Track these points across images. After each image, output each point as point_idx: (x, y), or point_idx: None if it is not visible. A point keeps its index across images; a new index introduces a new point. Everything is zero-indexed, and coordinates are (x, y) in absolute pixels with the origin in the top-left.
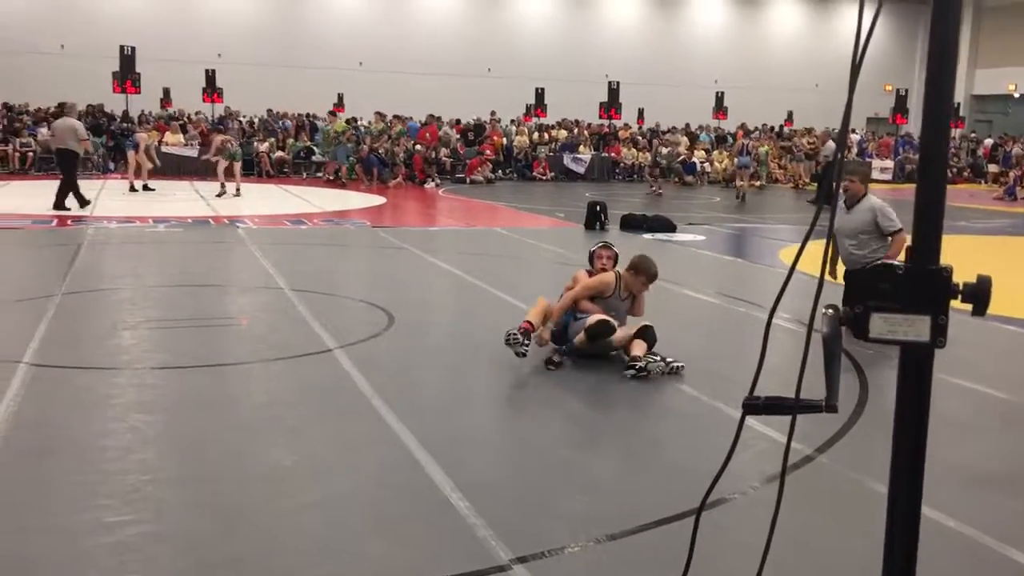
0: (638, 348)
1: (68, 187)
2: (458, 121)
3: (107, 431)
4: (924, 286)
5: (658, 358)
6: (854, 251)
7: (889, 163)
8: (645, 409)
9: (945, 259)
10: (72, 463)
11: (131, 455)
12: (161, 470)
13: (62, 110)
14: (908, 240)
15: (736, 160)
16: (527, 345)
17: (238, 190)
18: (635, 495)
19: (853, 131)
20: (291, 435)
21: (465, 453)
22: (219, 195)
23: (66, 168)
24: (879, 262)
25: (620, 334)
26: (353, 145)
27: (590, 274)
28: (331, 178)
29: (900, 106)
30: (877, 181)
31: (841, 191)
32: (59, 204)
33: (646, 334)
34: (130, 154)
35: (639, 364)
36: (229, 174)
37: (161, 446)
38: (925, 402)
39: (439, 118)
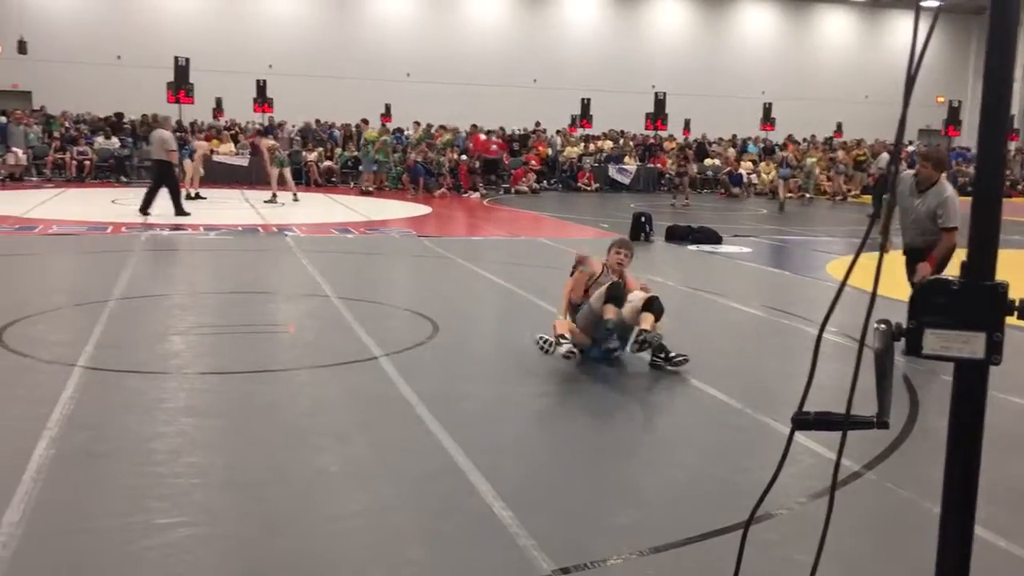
0: (646, 322)
1: (164, 193)
2: (501, 130)
3: (158, 434)
4: (979, 302)
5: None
6: (915, 235)
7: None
8: (690, 421)
9: (1001, 274)
10: (123, 465)
11: (181, 458)
12: (210, 474)
13: (155, 121)
14: (955, 242)
15: (778, 171)
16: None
17: (295, 196)
18: (680, 508)
19: (909, 143)
20: (337, 441)
21: (508, 461)
22: (267, 201)
23: (164, 177)
24: (933, 277)
25: (628, 308)
26: (400, 155)
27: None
28: (365, 188)
29: (953, 118)
30: None
31: (913, 174)
32: (144, 209)
33: (652, 305)
34: (186, 163)
35: (642, 338)
36: (281, 182)
37: (210, 450)
38: (979, 420)
39: (491, 130)
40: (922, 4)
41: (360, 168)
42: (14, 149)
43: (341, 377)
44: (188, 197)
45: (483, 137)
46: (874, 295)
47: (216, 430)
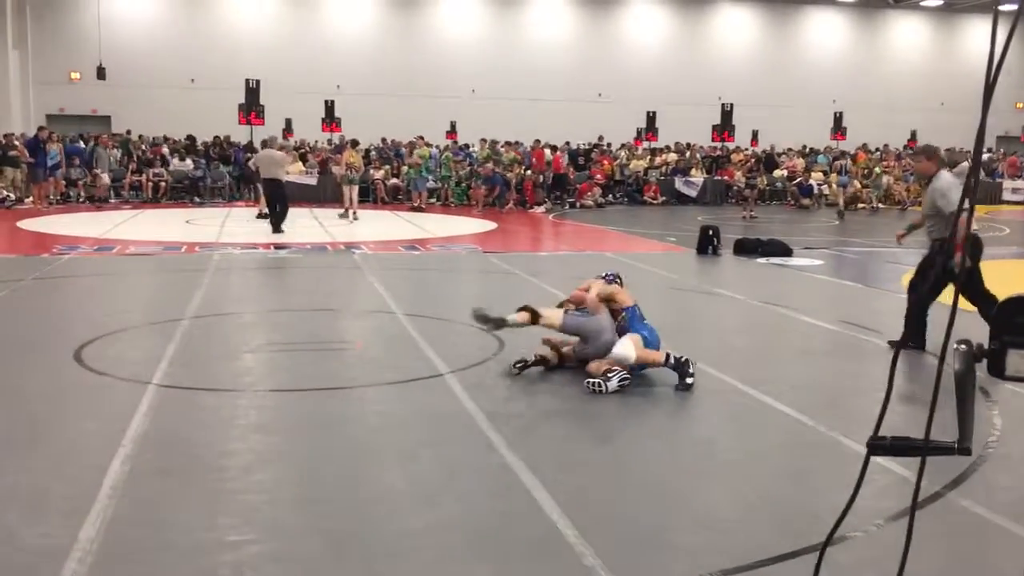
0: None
1: (283, 212)
2: (567, 143)
3: (229, 451)
4: None
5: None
6: (928, 227)
7: (1021, 183)
8: (761, 439)
9: None
10: (195, 482)
11: (251, 475)
12: (279, 490)
13: (265, 143)
14: (964, 219)
15: (837, 179)
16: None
17: (355, 215)
18: (752, 529)
19: (988, 150)
20: (403, 458)
21: (574, 479)
22: (341, 216)
23: (277, 195)
24: (1016, 294)
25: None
26: (467, 171)
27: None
28: (415, 205)
29: None
30: (1010, 203)
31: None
32: (277, 227)
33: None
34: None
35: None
36: (349, 199)
37: (279, 467)
38: None
39: (554, 146)
40: (1000, 8)
41: (409, 187)
42: (100, 173)
43: (407, 394)
44: (259, 216)
45: (547, 152)
46: (953, 313)
47: (285, 447)
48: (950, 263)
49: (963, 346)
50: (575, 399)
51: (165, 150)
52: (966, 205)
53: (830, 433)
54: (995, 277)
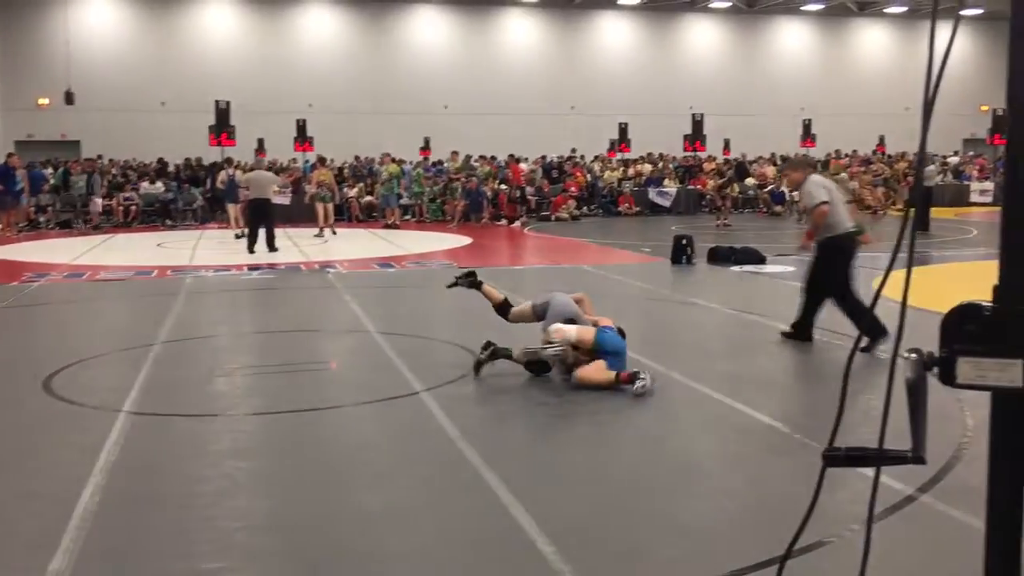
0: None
1: (271, 231)
2: (543, 157)
3: (202, 477)
4: (1015, 328)
5: None
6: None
7: (989, 185)
8: (737, 448)
9: None
10: (168, 510)
11: (224, 501)
12: (253, 516)
13: (255, 165)
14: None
15: None
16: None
17: (333, 231)
18: (729, 537)
19: (954, 153)
20: (379, 480)
21: (552, 495)
22: (317, 235)
23: (265, 215)
24: (964, 302)
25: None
26: (440, 187)
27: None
28: (389, 223)
29: (998, 126)
30: (977, 204)
31: (786, 184)
32: (271, 246)
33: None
34: (230, 205)
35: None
36: (324, 217)
37: (254, 492)
38: (1020, 451)
39: (524, 158)
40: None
41: (381, 204)
42: (95, 198)
43: (383, 414)
44: (236, 237)
45: (523, 167)
46: (902, 318)
47: (260, 471)
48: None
49: (914, 355)
50: (550, 415)
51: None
52: (825, 197)
53: (807, 440)
54: (960, 279)
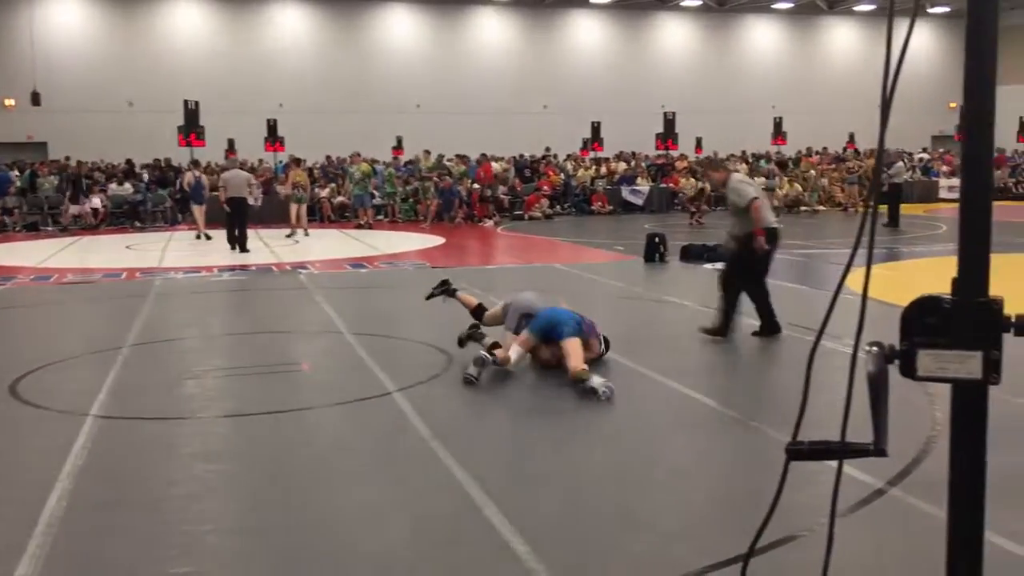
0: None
1: (243, 231)
2: (520, 155)
3: (171, 481)
4: (973, 320)
5: None
6: (733, 228)
7: (957, 181)
8: (707, 444)
9: (1017, 279)
10: (135, 514)
11: (194, 504)
12: (222, 519)
13: (228, 165)
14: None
15: (765, 183)
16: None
17: (306, 231)
18: (698, 532)
19: (923, 150)
20: (351, 481)
21: (525, 495)
22: (289, 235)
23: (241, 214)
24: (924, 295)
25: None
26: (413, 187)
27: None
28: (361, 223)
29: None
30: (946, 201)
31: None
32: (243, 247)
33: None
34: (196, 207)
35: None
36: (297, 217)
37: (223, 495)
38: (980, 442)
39: (498, 157)
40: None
41: (353, 204)
42: (92, 198)
43: (355, 415)
44: (197, 238)
45: (495, 166)
46: (863, 310)
47: (229, 474)
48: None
49: (875, 348)
50: (522, 413)
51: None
52: (756, 194)
53: (777, 436)
54: (928, 274)
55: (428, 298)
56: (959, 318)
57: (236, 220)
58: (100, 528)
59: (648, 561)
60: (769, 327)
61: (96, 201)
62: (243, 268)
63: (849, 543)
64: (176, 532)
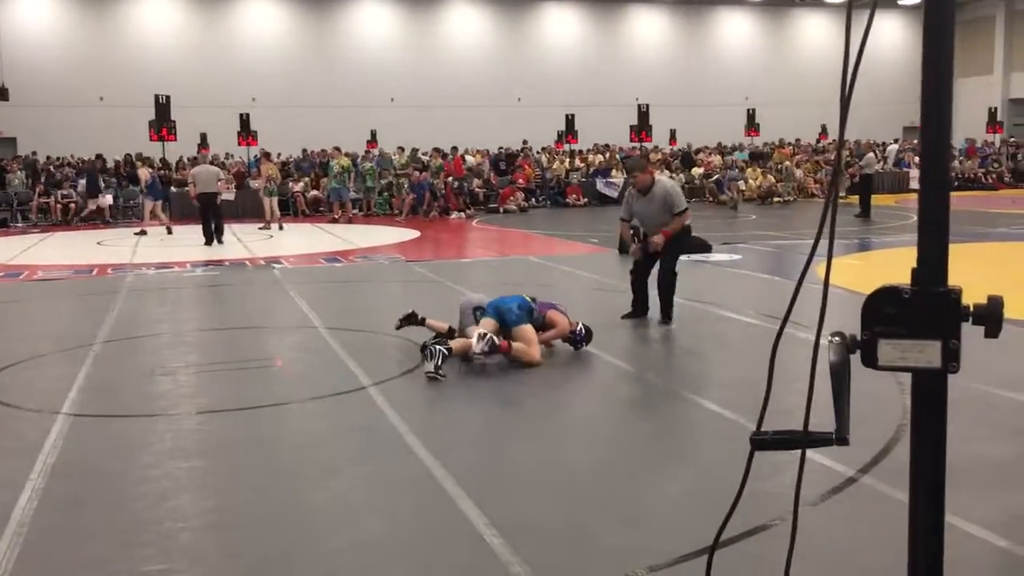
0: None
1: (219, 225)
2: (500, 148)
3: (144, 478)
4: (932, 310)
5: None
6: (654, 231)
7: None
8: (685, 435)
9: (984, 267)
10: (108, 512)
11: (167, 502)
12: (196, 516)
13: (196, 160)
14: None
15: (728, 174)
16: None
17: (280, 225)
18: (676, 524)
19: (894, 141)
20: (326, 476)
21: (500, 488)
22: (262, 228)
23: (214, 209)
24: (884, 285)
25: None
26: (387, 180)
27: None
28: (336, 217)
29: None
30: (916, 191)
31: (631, 185)
32: (219, 239)
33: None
34: (155, 204)
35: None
36: (271, 211)
37: (196, 492)
38: (941, 431)
39: (477, 150)
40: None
41: (330, 198)
42: (104, 194)
43: (330, 410)
44: (135, 234)
45: (468, 159)
46: (824, 299)
47: (203, 471)
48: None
49: (836, 339)
50: (497, 407)
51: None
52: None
53: (751, 426)
54: (898, 263)
55: (398, 328)
56: (918, 308)
57: (209, 214)
58: (72, 527)
59: (625, 552)
60: (642, 308)
61: (109, 197)
62: (216, 263)
63: (820, 531)
64: (149, 530)
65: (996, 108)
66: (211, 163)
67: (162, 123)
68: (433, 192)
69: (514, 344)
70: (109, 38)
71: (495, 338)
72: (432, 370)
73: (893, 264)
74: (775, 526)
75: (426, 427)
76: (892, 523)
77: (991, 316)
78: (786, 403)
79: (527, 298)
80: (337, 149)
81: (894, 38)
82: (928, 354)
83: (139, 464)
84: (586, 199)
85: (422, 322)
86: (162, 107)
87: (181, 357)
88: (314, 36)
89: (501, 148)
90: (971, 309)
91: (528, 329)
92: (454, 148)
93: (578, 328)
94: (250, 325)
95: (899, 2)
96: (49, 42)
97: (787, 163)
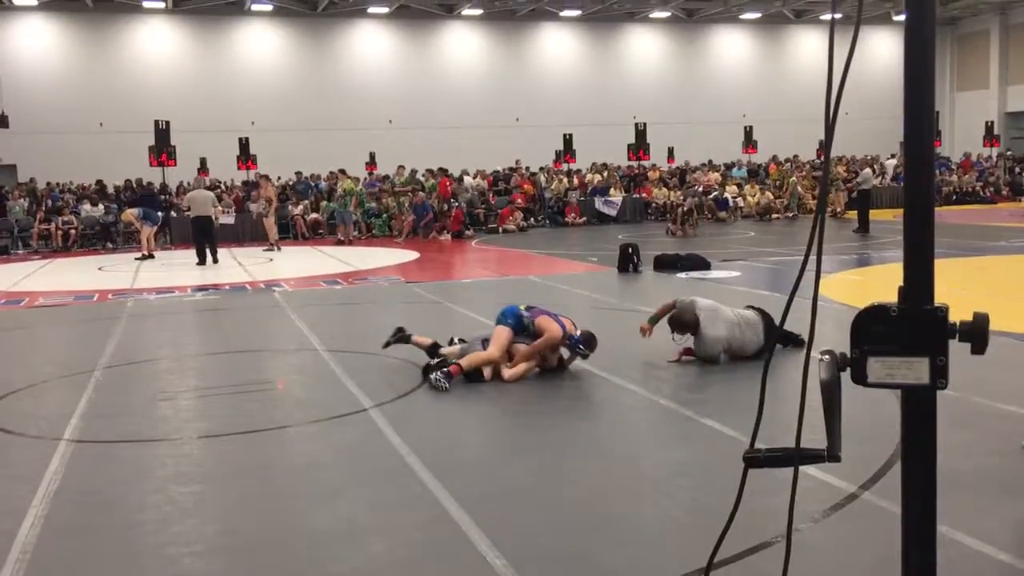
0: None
1: (214, 247)
2: (498, 170)
3: (146, 504)
4: (919, 327)
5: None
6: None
7: None
8: (685, 453)
9: (981, 280)
10: (110, 538)
11: (169, 527)
12: (198, 541)
13: (195, 184)
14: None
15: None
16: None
17: (278, 247)
18: (676, 542)
19: (891, 156)
20: (328, 499)
21: (502, 509)
22: (267, 250)
23: (208, 232)
24: (873, 303)
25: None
26: (387, 202)
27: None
28: (342, 239)
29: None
30: None
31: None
32: (214, 259)
33: None
34: (152, 229)
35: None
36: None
37: (199, 516)
38: (931, 447)
39: (479, 171)
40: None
41: (333, 220)
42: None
43: (331, 432)
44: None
45: (469, 180)
46: (813, 320)
47: (205, 496)
48: None
49: (827, 357)
50: (498, 427)
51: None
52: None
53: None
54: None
55: (385, 347)
56: (906, 325)
57: (204, 237)
58: (75, 553)
59: (626, 571)
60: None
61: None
62: (216, 287)
63: (821, 547)
64: (151, 555)
65: (992, 122)
66: (208, 188)
67: (162, 148)
68: (435, 213)
69: (464, 359)
70: (109, 64)
71: (440, 373)
72: (440, 380)
73: (892, 279)
74: (777, 543)
75: (427, 448)
76: (892, 539)
77: (977, 333)
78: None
79: (520, 307)
80: (342, 172)
81: (890, 53)
82: (916, 371)
83: (141, 490)
84: (584, 218)
85: (408, 339)
86: (162, 132)
87: (182, 382)
88: (312, 60)
89: (496, 171)
90: (957, 326)
91: (499, 330)
92: (441, 169)
93: (576, 335)
94: (251, 348)
95: (893, 18)
96: (49, 69)
97: (792, 179)
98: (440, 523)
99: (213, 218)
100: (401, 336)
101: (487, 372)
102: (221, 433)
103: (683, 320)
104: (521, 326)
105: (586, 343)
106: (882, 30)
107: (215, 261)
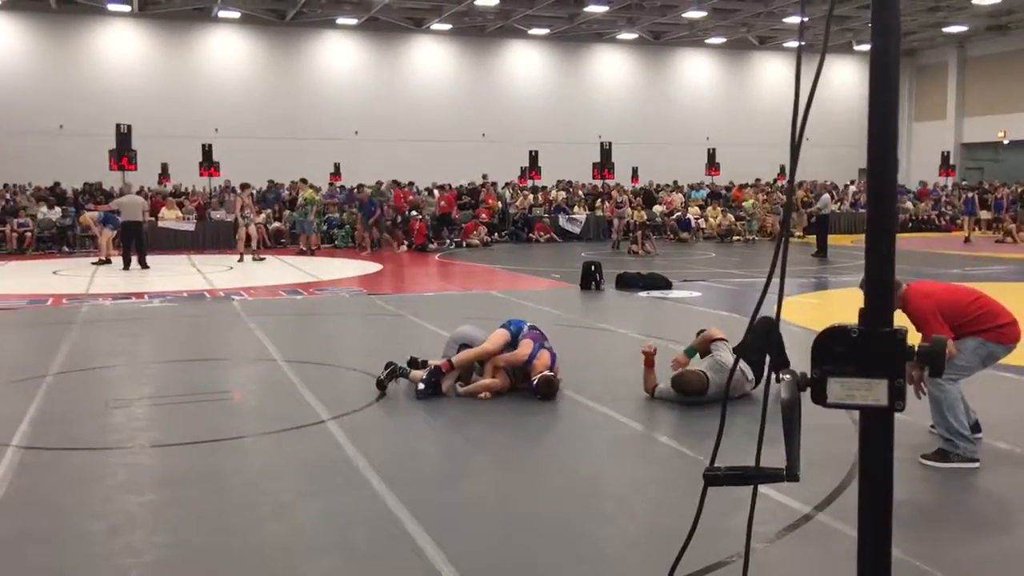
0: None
1: (142, 251)
2: (449, 186)
3: (95, 513)
4: (879, 349)
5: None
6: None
7: None
8: (641, 473)
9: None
10: (58, 549)
11: (118, 537)
12: (150, 552)
13: (125, 190)
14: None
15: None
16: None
17: (241, 257)
18: (632, 559)
19: (851, 183)
20: (282, 511)
21: (459, 524)
22: (257, 259)
23: (138, 236)
24: (833, 325)
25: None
26: (351, 213)
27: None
28: (303, 249)
29: None
30: None
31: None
32: (143, 264)
33: None
34: (106, 232)
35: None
36: (248, 240)
37: (149, 527)
38: (888, 468)
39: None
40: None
41: (295, 230)
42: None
43: (287, 443)
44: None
45: (435, 192)
46: (778, 336)
47: (156, 506)
48: None
49: (787, 376)
50: (457, 441)
51: None
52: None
53: (706, 461)
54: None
55: (381, 385)
56: (865, 347)
57: (133, 241)
58: (22, 563)
59: None
60: None
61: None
62: (175, 295)
63: (775, 567)
64: (102, 566)
65: (949, 152)
66: (171, 195)
67: (123, 152)
68: (393, 221)
69: (456, 356)
70: (71, 67)
71: (426, 379)
72: (426, 387)
73: (849, 303)
74: (732, 562)
75: (384, 461)
76: (845, 560)
77: (934, 356)
78: (743, 441)
79: (527, 324)
80: (304, 181)
81: (850, 82)
82: (875, 392)
83: (91, 498)
84: (548, 235)
85: (406, 374)
86: (123, 136)
87: (136, 389)
88: (278, 68)
89: (461, 184)
90: (915, 349)
91: (499, 331)
92: (394, 181)
93: (538, 377)
94: (208, 357)
95: (855, 47)
96: (9, 70)
97: (751, 202)
98: (395, 538)
99: (143, 223)
100: (394, 371)
101: (446, 385)
102: (175, 442)
103: (689, 389)
104: (515, 340)
105: (538, 387)
106: (843, 59)
107: (143, 267)
